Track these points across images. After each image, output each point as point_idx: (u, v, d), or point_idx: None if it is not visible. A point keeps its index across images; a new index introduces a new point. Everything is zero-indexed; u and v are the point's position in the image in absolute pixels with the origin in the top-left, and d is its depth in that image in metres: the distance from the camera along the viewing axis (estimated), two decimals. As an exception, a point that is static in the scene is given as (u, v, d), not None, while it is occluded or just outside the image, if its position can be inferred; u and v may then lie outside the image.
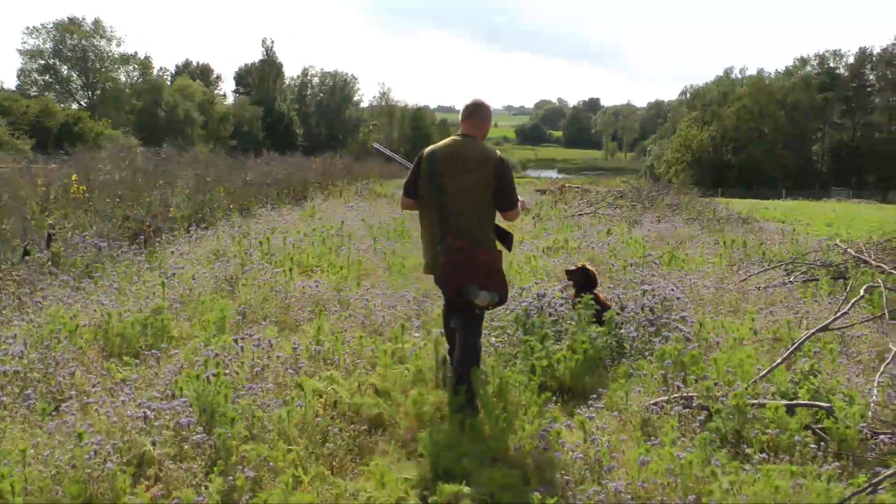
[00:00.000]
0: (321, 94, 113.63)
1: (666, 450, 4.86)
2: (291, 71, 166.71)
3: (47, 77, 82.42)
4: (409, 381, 6.41)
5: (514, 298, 8.25)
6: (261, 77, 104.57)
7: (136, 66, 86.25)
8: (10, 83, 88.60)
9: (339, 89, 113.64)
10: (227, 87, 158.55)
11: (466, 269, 5.87)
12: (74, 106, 79.26)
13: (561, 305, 8.06)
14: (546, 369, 6.62)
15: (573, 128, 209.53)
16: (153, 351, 6.97)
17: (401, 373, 6.40)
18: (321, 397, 5.95)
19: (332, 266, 11.21)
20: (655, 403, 6.05)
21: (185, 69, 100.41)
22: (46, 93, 77.77)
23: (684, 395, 6.11)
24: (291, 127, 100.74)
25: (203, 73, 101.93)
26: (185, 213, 15.47)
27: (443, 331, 6.71)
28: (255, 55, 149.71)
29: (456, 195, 5.90)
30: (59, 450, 4.86)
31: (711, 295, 9.86)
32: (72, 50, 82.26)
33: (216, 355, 6.25)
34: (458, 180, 5.92)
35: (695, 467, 4.77)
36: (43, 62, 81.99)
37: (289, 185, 23.58)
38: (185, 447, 5.10)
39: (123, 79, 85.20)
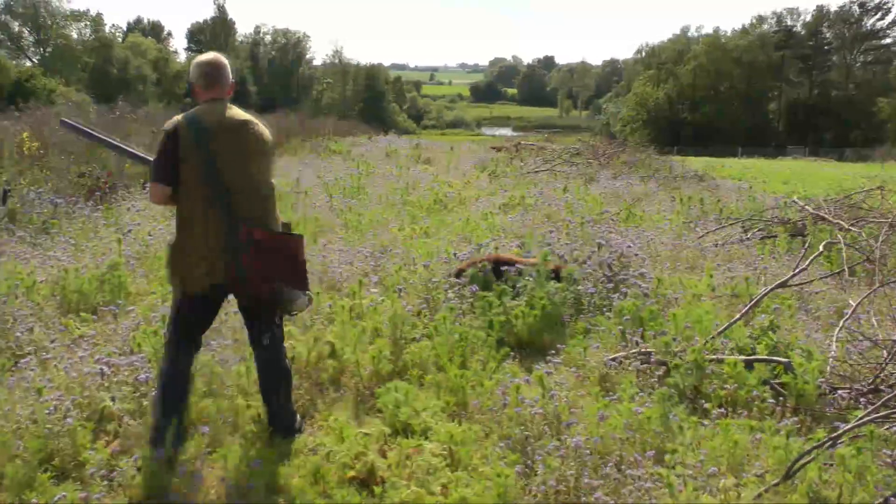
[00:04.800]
0: (273, 52, 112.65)
1: (624, 405, 4.89)
2: (244, 28, 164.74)
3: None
4: (366, 338, 6.38)
5: (472, 255, 8.28)
6: (213, 34, 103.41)
7: (88, 22, 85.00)
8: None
9: (291, 47, 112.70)
10: (179, 45, 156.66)
11: (278, 266, 4.70)
12: (27, 63, 77.85)
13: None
14: (504, 325, 6.63)
15: (528, 86, 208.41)
16: (110, 307, 6.91)
17: (358, 329, 6.37)
18: (280, 352, 5.93)
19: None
20: (613, 359, 6.08)
21: (136, 26, 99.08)
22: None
23: (642, 350, 6.15)
24: (245, 85, 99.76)
25: (154, 30, 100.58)
26: (140, 170, 15.24)
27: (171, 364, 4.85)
28: (207, 12, 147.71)
29: (238, 175, 4.65)
30: (19, 405, 4.85)
31: (669, 252, 9.92)
32: (23, 6, 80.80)
33: (173, 312, 6.19)
34: (237, 155, 4.68)
35: (653, 422, 4.80)
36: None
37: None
38: (144, 403, 5.06)
39: (75, 36, 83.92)
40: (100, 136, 5.30)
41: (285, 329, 5.44)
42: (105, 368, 5.27)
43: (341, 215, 12.01)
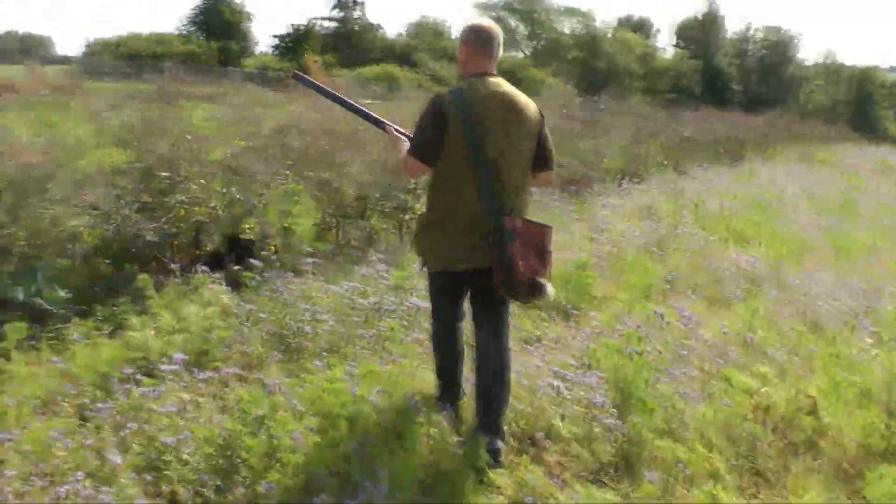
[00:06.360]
0: (763, 51, 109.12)
1: None
2: (733, 25, 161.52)
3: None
4: (854, 399, 5.42)
5: None
6: (701, 31, 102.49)
7: (580, 18, 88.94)
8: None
9: (781, 46, 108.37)
10: (666, 41, 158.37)
11: (535, 259, 4.45)
12: (519, 55, 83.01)
13: None
14: None
15: None
16: (573, 310, 6.75)
17: (846, 386, 5.43)
18: (751, 397, 5.22)
19: (769, 239, 10.30)
20: None
21: (626, 22, 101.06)
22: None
23: None
24: (729, 83, 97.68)
25: (642, 27, 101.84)
26: (618, 165, 15.17)
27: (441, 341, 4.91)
28: (698, 8, 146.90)
29: (500, 159, 4.42)
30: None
31: None
32: (520, 3, 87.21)
33: (638, 327, 5.73)
34: (505, 136, 4.43)
35: None
36: (494, 14, 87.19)
37: (725, 144, 22.51)
38: (595, 429, 4.65)
39: (566, 31, 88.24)
40: (334, 94, 5.29)
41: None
42: (561, 385, 4.94)
43: (829, 237, 10.89)
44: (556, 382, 4.94)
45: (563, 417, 4.75)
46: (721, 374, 5.40)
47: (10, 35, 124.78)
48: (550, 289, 4.50)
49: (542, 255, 4.50)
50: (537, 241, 4.48)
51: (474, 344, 4.77)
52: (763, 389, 5.20)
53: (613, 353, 5.30)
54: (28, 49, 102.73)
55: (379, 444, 4.23)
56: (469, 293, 4.79)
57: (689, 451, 4.56)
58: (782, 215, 12.05)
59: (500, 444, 4.46)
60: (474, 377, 4.71)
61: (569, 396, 4.91)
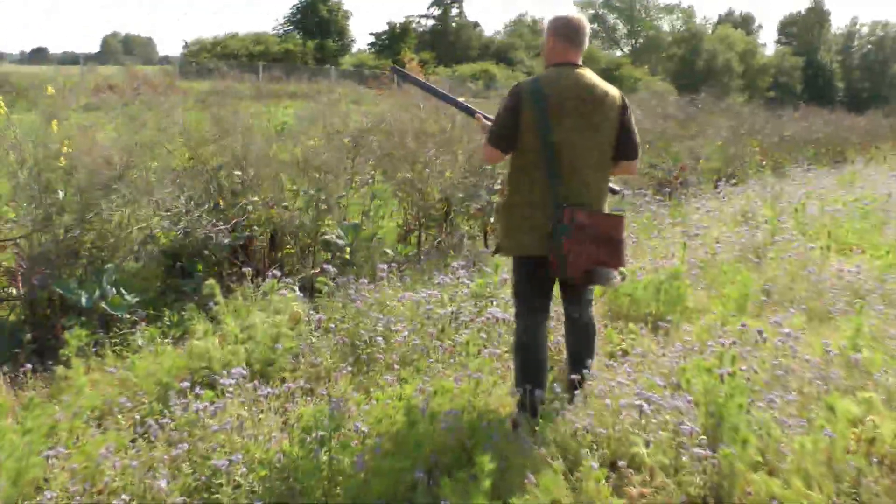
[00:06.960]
0: (869, 46, 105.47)
1: None
2: (838, 21, 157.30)
3: (595, 25, 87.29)
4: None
5: None
6: (805, 26, 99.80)
7: (680, 14, 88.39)
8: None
9: (888, 40, 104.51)
10: (768, 37, 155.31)
11: (595, 249, 4.47)
12: (617, 53, 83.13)
13: None
14: None
15: None
16: (662, 322, 6.33)
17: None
18: (855, 427, 4.76)
19: (873, 248, 9.69)
20: None
21: (727, 18, 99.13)
22: (593, 40, 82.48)
23: None
24: (832, 80, 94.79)
25: (745, 22, 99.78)
26: (714, 165, 14.64)
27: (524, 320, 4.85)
28: (802, 4, 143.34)
29: (573, 150, 4.49)
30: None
31: None
32: (620, 1, 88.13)
33: (732, 344, 5.33)
34: (577, 129, 4.49)
35: None
36: (593, 12, 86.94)
37: (827, 145, 21.66)
38: (684, 459, 4.27)
39: (666, 28, 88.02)
40: (429, 85, 5.75)
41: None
42: (645, 407, 4.57)
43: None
44: (641, 404, 4.59)
45: (647, 444, 4.39)
46: (822, 399, 4.95)
47: (113, 36, 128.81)
48: (615, 277, 4.57)
49: (611, 244, 4.54)
50: (605, 231, 4.52)
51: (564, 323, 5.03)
52: (869, 418, 4.75)
53: (704, 374, 4.91)
54: (130, 50, 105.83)
55: (446, 472, 3.94)
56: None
57: (786, 486, 4.17)
58: (887, 222, 11.37)
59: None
60: (565, 342, 5.04)
61: (655, 421, 4.55)
